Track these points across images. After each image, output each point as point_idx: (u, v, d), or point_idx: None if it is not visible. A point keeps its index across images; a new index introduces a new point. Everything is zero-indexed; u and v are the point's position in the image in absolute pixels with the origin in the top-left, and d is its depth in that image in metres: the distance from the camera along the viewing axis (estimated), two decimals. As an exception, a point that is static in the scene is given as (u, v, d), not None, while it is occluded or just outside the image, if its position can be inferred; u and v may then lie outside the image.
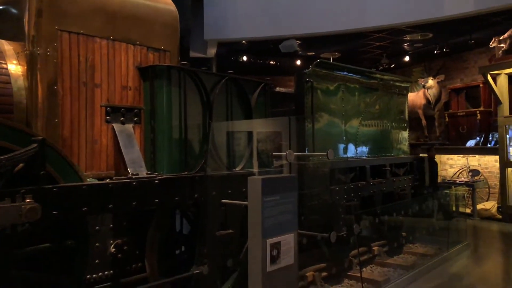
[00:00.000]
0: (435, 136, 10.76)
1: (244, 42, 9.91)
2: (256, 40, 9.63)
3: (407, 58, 11.26)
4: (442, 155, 10.84)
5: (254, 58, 11.36)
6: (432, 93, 10.30)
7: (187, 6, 7.39)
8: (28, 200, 2.17)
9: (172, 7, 3.55)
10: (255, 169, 3.84)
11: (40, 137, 2.39)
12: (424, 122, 10.68)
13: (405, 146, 6.38)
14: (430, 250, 6.10)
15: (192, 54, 9.75)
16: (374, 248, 5.44)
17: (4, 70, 2.67)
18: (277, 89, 5.53)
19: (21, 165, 2.40)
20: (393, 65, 11.91)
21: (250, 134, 3.87)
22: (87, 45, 2.95)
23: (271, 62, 11.92)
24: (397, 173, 5.96)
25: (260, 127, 4.03)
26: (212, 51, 9.94)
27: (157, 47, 3.36)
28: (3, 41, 2.83)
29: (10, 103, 2.64)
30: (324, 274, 4.40)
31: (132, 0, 3.26)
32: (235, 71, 11.69)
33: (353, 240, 4.73)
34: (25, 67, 2.75)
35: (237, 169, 3.66)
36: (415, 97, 10.60)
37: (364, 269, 4.94)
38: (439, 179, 10.17)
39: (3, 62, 2.70)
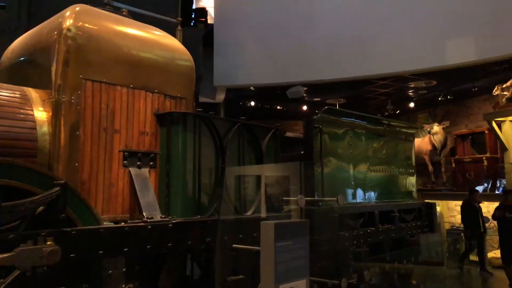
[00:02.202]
0: (442, 181, 10.76)
1: (252, 88, 10.22)
2: (263, 86, 9.93)
3: (412, 104, 11.50)
4: (450, 201, 10.77)
5: (262, 103, 11.65)
6: (437, 139, 10.42)
7: (198, 54, 7.70)
8: (49, 243, 2.22)
9: (188, 57, 3.74)
10: (263, 214, 3.86)
11: (63, 181, 2.48)
12: (430, 167, 10.72)
13: (413, 192, 6.39)
14: (442, 300, 5.97)
15: (201, 99, 10.04)
16: (384, 296, 5.33)
17: (30, 116, 2.81)
18: (287, 134, 5.64)
19: (41, 208, 2.46)
20: (398, 111, 12.14)
21: (261, 178, 3.94)
22: (109, 93, 3.10)
23: (278, 107, 12.20)
24: (405, 219, 5.93)
25: (270, 171, 4.10)
26: (220, 97, 10.24)
27: (173, 94, 3.51)
28: (30, 89, 2.99)
29: (34, 147, 2.75)
30: (335, 323, 4.29)
31: (151, 51, 3.45)
32: (243, 116, 11.97)
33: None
34: (50, 114, 2.88)
35: (248, 213, 3.70)
36: (421, 143, 10.71)
37: (375, 318, 4.82)
38: (447, 226, 10.07)
39: (29, 109, 2.84)
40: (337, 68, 9.08)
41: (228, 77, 9.72)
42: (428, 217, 6.39)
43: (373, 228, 5.17)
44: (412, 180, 6.40)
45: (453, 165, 10.64)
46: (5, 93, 2.86)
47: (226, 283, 3.35)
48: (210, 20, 9.89)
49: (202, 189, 3.41)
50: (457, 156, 10.62)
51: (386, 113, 11.92)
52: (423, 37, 8.08)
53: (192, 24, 8.81)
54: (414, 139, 6.68)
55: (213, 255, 3.34)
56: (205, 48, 9.53)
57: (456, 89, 9.83)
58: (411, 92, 10.53)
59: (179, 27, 4.11)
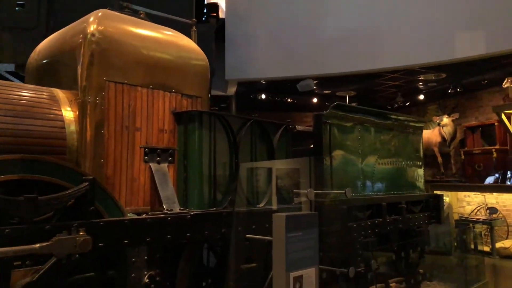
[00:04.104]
0: (451, 173, 10.84)
1: (262, 81, 10.36)
2: (274, 79, 10.08)
3: (421, 97, 11.54)
4: (459, 192, 10.87)
5: (272, 96, 11.78)
6: (447, 131, 10.48)
7: (211, 49, 7.87)
8: (81, 233, 2.45)
9: (203, 57, 3.92)
10: (274, 206, 4.06)
11: (91, 177, 2.70)
12: (439, 159, 10.80)
13: (420, 184, 6.53)
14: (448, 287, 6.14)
15: (213, 92, 10.19)
16: (391, 284, 5.52)
17: (59, 116, 3.03)
18: (297, 127, 5.78)
19: (72, 201, 2.70)
20: (408, 103, 12.18)
21: (272, 173, 4.14)
22: (130, 94, 3.31)
23: (289, 100, 12.32)
24: (413, 210, 6.09)
25: (282, 166, 4.29)
26: (232, 90, 10.41)
27: (190, 93, 3.71)
28: (58, 90, 3.20)
29: (64, 145, 2.98)
30: (343, 309, 4.51)
31: (168, 52, 3.65)
32: (254, 109, 12.17)
33: (370, 276, 4.84)
34: (77, 113, 3.10)
35: (260, 205, 3.91)
36: (430, 135, 10.78)
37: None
38: (456, 216, 10.19)
39: (58, 109, 3.06)
40: (347, 61, 9.17)
41: (239, 71, 9.88)
42: (436, 208, 6.54)
43: (380, 219, 5.35)
44: (420, 172, 6.55)
45: (463, 156, 10.70)
46: (35, 94, 3.08)
47: (240, 271, 3.57)
48: (221, 15, 10.02)
49: (217, 183, 3.62)
50: (466, 148, 10.67)
51: (396, 105, 11.98)
52: (433, 30, 8.13)
53: (204, 19, 8.95)
54: (422, 132, 6.80)
55: (228, 244, 3.57)
56: (217, 42, 9.69)
57: (466, 81, 9.85)
58: (420, 85, 10.58)
59: (194, 28, 4.29)
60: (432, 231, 6.76)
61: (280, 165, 4.19)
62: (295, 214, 2.96)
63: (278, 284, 2.79)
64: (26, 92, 3.06)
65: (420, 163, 6.57)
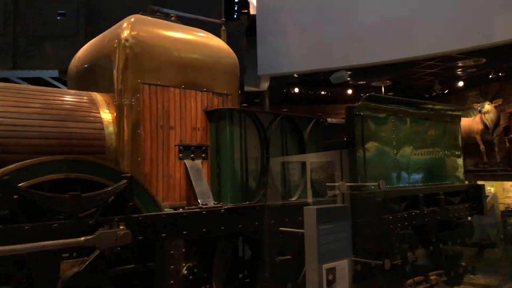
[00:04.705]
0: (495, 162, 10.42)
1: (295, 75, 10.36)
2: (306, 73, 10.05)
3: (461, 83, 11.13)
4: (505, 182, 10.45)
5: (306, 89, 11.75)
6: (489, 117, 10.08)
7: (242, 47, 7.98)
8: (121, 227, 2.62)
9: (233, 55, 4.01)
10: (309, 199, 4.11)
11: (129, 174, 2.86)
12: (482, 147, 10.40)
13: (460, 174, 6.35)
14: (492, 281, 5.95)
15: (246, 88, 10.32)
16: (431, 277, 5.42)
17: (98, 118, 3.23)
18: (329, 120, 5.76)
19: (112, 197, 2.87)
20: (446, 91, 11.79)
21: (304, 166, 4.18)
22: (163, 94, 3.46)
23: (322, 92, 12.25)
24: (452, 201, 5.94)
25: (313, 159, 4.33)
26: (265, 85, 10.48)
27: (220, 92, 3.82)
28: (97, 93, 3.40)
29: (103, 145, 3.17)
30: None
31: (199, 53, 3.77)
32: (287, 103, 12.19)
33: (408, 269, 4.79)
34: (115, 115, 3.28)
35: (293, 199, 3.97)
36: (471, 123, 10.40)
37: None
38: (502, 207, 9.81)
39: (97, 112, 3.26)
40: (382, 50, 9.00)
41: (271, 65, 9.94)
42: (477, 199, 6.34)
43: (417, 211, 5.26)
44: (459, 162, 6.36)
45: (507, 144, 10.24)
46: (76, 98, 3.29)
47: (275, 263, 3.66)
48: (252, 11, 10.10)
49: (249, 177, 3.71)
50: (511, 135, 10.22)
51: (434, 93, 11.62)
52: (470, 13, 7.82)
53: (235, 16, 9.06)
54: (460, 121, 6.59)
55: (262, 237, 3.66)
56: (248, 38, 9.77)
57: (508, 65, 9.42)
58: (459, 71, 10.21)
59: (223, 27, 4.39)
60: (475, 222, 6.56)
61: (311, 159, 4.23)
62: (326, 206, 3.01)
63: (310, 275, 2.85)
64: (68, 97, 3.29)
65: (459, 153, 6.38)
